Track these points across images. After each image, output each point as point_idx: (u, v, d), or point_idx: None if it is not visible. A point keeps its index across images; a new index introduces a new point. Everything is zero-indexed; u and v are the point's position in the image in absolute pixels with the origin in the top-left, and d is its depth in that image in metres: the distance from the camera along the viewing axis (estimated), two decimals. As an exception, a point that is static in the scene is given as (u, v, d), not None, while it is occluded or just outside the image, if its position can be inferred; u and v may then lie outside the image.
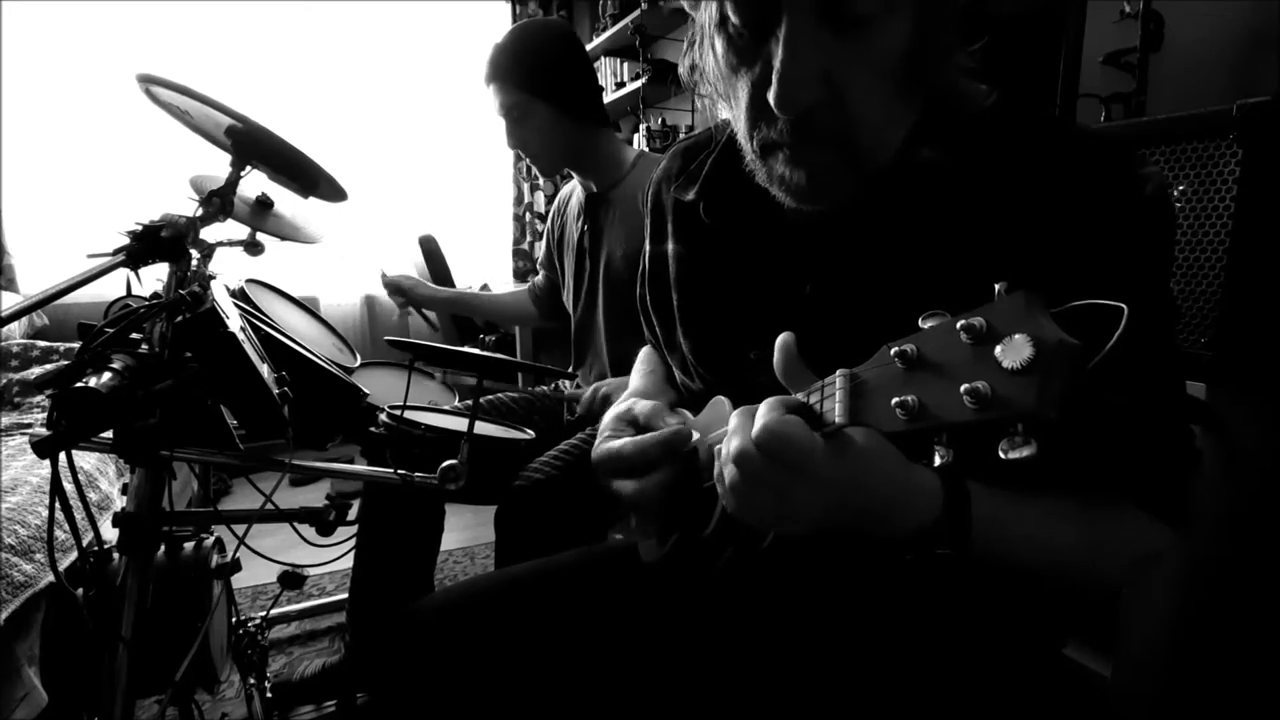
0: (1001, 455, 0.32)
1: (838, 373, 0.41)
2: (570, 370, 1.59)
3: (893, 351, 0.37)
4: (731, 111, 0.58)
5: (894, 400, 0.36)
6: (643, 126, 2.87)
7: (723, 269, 0.69)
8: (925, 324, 0.36)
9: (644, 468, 0.62)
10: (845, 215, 0.58)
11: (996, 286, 0.33)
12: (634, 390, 0.82)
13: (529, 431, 1.19)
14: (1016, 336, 0.31)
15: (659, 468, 0.61)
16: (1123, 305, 0.32)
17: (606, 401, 1.32)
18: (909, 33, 0.49)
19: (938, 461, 0.35)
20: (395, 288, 1.71)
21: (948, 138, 0.54)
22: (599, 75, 3.14)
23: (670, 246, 0.75)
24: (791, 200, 0.57)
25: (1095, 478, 0.53)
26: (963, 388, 0.32)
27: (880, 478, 0.44)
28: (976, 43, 0.52)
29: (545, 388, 1.62)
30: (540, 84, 1.32)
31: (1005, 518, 0.49)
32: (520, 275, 3.40)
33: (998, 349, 0.32)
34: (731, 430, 0.45)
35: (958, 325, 0.33)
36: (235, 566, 0.91)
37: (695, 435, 0.64)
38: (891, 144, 0.55)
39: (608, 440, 0.65)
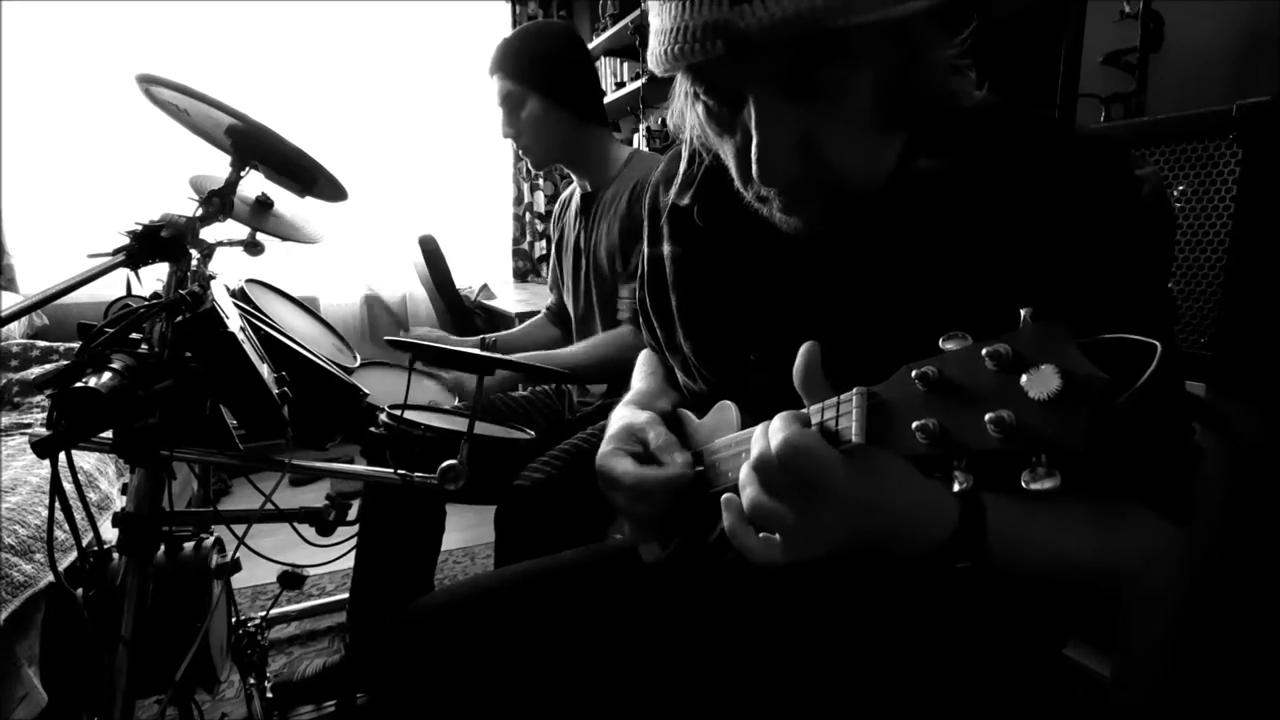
0: (1024, 485, 0.32)
1: (854, 390, 0.40)
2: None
3: (914, 374, 0.36)
4: (723, 160, 0.59)
5: (914, 423, 0.35)
6: (643, 126, 2.87)
7: (719, 271, 0.69)
8: (946, 345, 0.35)
9: (643, 500, 0.63)
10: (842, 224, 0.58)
11: (1022, 312, 0.33)
12: (636, 392, 0.81)
13: (529, 431, 1.19)
14: (1044, 367, 0.31)
15: (658, 502, 0.62)
16: (1155, 343, 0.32)
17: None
18: (879, 79, 0.48)
19: (957, 487, 0.35)
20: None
21: (943, 143, 0.54)
22: (599, 75, 3.14)
23: (666, 249, 0.75)
24: (790, 232, 0.58)
25: (1104, 476, 0.53)
26: (987, 416, 0.32)
27: (903, 496, 0.44)
28: (962, 32, 0.51)
29: (546, 387, 1.61)
30: (533, 77, 1.38)
31: (1020, 526, 0.49)
32: (520, 275, 3.39)
33: (1024, 378, 0.31)
34: (752, 445, 0.45)
35: (983, 351, 0.33)
36: (235, 566, 0.91)
37: (689, 451, 0.64)
38: (885, 166, 0.55)
39: (613, 457, 0.65)
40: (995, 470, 0.33)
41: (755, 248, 0.64)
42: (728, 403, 0.62)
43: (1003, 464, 0.32)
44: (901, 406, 0.37)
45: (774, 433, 0.42)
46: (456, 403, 1.33)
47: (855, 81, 0.48)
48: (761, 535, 0.46)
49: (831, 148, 0.50)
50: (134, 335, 0.72)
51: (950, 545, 0.46)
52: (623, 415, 0.71)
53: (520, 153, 1.53)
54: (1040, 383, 0.30)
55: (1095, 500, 0.53)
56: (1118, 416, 0.31)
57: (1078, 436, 0.30)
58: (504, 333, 1.75)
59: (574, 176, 1.55)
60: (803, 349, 0.46)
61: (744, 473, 0.45)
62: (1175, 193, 0.97)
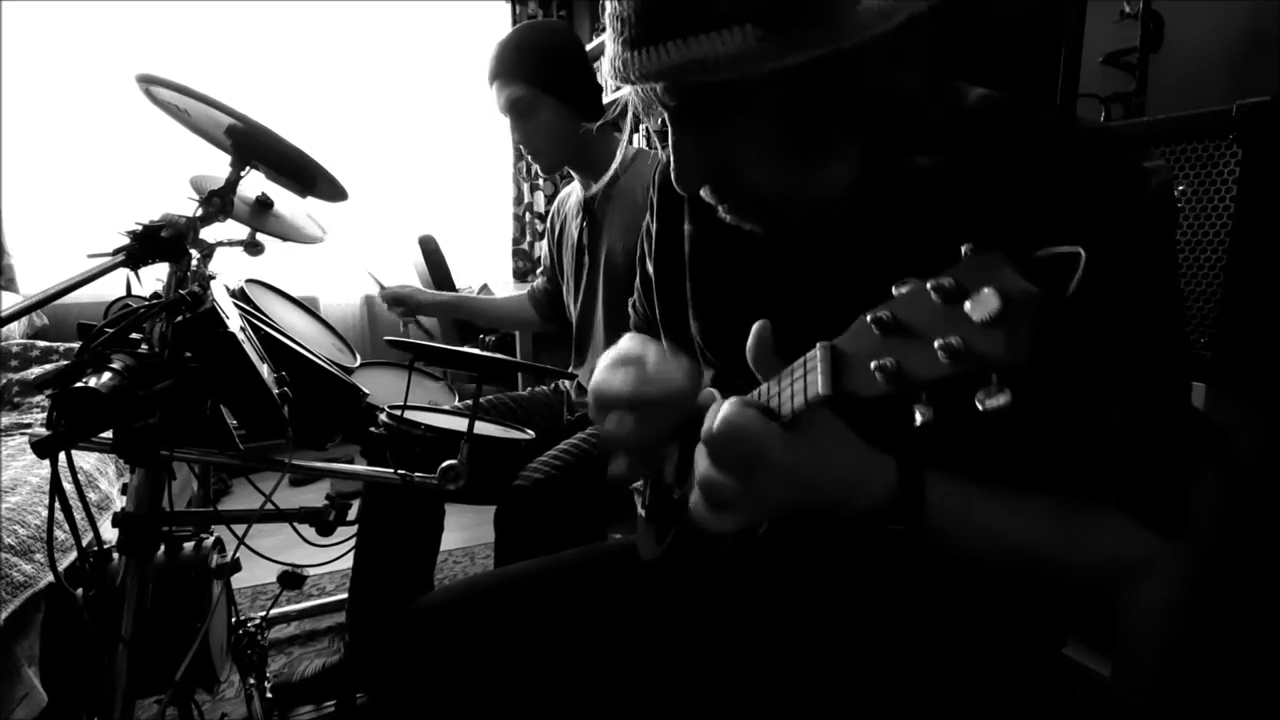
0: (979, 407, 0.33)
1: (817, 345, 0.42)
2: (570, 370, 1.59)
3: (869, 319, 0.38)
4: None
5: (873, 364, 0.37)
6: (643, 126, 2.87)
7: (735, 254, 0.68)
8: (899, 290, 0.37)
9: (642, 417, 0.59)
10: (847, 213, 0.58)
11: (963, 248, 0.34)
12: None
13: (529, 431, 1.19)
14: (984, 290, 0.32)
15: (660, 416, 0.59)
16: (1079, 250, 0.34)
17: None
18: (782, 113, 0.50)
19: (918, 420, 0.36)
20: (394, 299, 1.68)
21: (936, 143, 0.54)
22: (599, 75, 3.13)
23: (687, 228, 0.74)
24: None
25: (1081, 481, 0.52)
26: (936, 344, 0.33)
27: (840, 461, 0.47)
28: (926, 42, 0.50)
29: (545, 388, 1.61)
30: (547, 79, 1.35)
31: (964, 504, 0.50)
32: (520, 275, 3.39)
33: (967, 304, 0.33)
34: (705, 423, 0.47)
35: (928, 286, 0.35)
36: (235, 566, 0.91)
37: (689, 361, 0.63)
38: (822, 183, 0.55)
39: (607, 372, 0.62)
40: (955, 399, 0.34)
41: (773, 235, 0.64)
42: (713, 390, 0.62)
43: (959, 390, 0.34)
44: (861, 352, 0.39)
45: (718, 413, 0.45)
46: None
47: (750, 118, 0.51)
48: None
49: (740, 168, 0.54)
50: (134, 335, 0.72)
51: (887, 507, 0.48)
52: (609, 351, 0.67)
53: (530, 159, 1.50)
54: (982, 305, 0.32)
55: (1060, 500, 0.52)
56: (1057, 326, 0.33)
57: (1021, 349, 0.31)
58: (479, 297, 1.75)
59: (577, 177, 1.53)
60: (754, 329, 0.48)
61: (697, 448, 0.47)
62: (1175, 193, 0.97)
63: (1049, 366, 0.38)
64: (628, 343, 0.75)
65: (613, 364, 0.64)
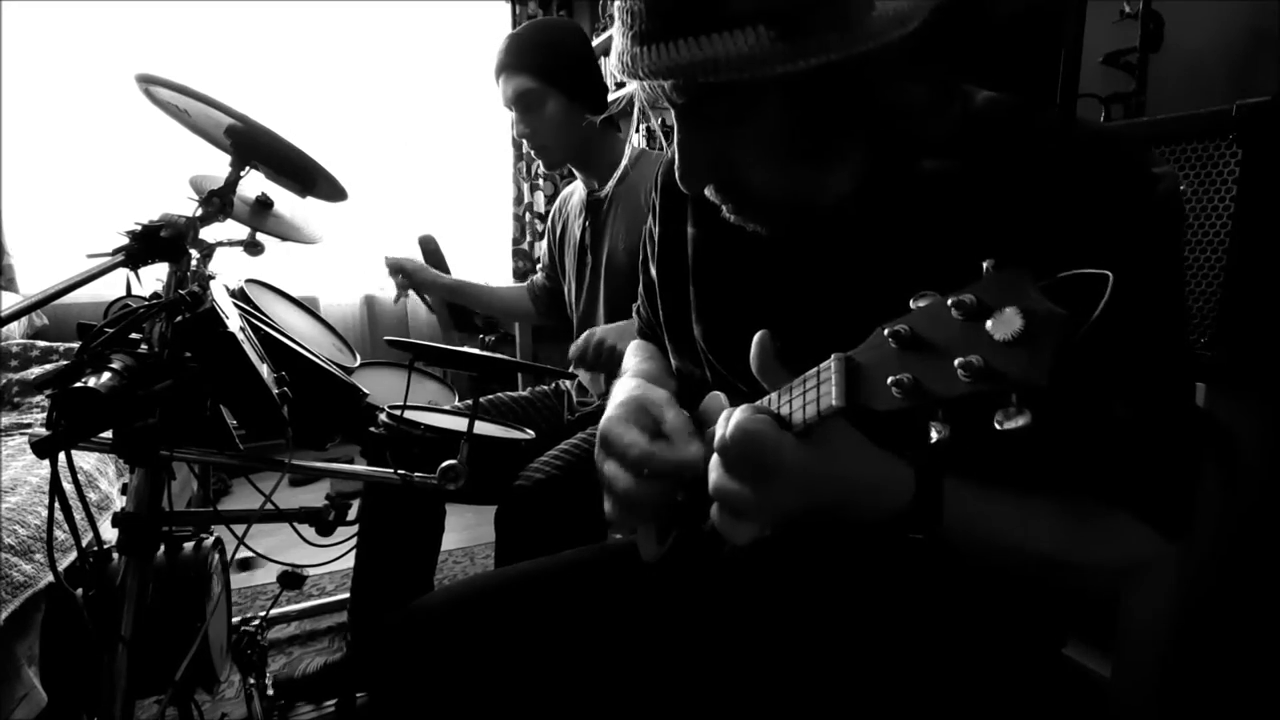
0: (997, 426, 0.33)
1: (832, 357, 0.41)
2: (570, 370, 1.59)
3: (886, 332, 0.37)
4: None
5: (889, 379, 0.36)
6: (643, 127, 2.87)
7: (740, 257, 0.67)
8: (917, 304, 0.37)
9: (646, 479, 0.58)
10: (852, 216, 0.58)
11: (985, 264, 0.34)
12: (642, 372, 0.79)
13: (529, 431, 1.19)
14: (1006, 309, 0.32)
15: (661, 486, 0.57)
16: (1108, 273, 0.33)
17: (600, 348, 1.27)
18: (782, 114, 0.50)
19: (934, 437, 0.35)
20: (397, 267, 1.69)
21: (944, 146, 0.54)
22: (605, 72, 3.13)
23: (691, 231, 0.74)
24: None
25: (1088, 482, 0.52)
26: (956, 361, 0.33)
27: (856, 467, 0.46)
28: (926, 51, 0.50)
29: (545, 387, 1.62)
30: (555, 73, 1.34)
31: (979, 508, 0.50)
32: (520, 275, 3.39)
33: (989, 323, 0.32)
34: (715, 431, 0.46)
35: (949, 302, 0.34)
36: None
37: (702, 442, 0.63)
38: (836, 185, 0.55)
39: (621, 424, 0.60)
40: (972, 418, 0.34)
41: (776, 237, 0.64)
42: (719, 393, 0.61)
43: (977, 409, 0.33)
44: (877, 366, 0.38)
45: (731, 420, 0.45)
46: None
47: (758, 119, 0.51)
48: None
49: (743, 170, 0.54)
50: (134, 335, 0.72)
51: (906, 515, 0.47)
52: (632, 386, 0.65)
53: (533, 153, 1.50)
54: (1004, 325, 0.32)
55: (1069, 501, 0.52)
56: (1079, 349, 0.33)
57: (1042, 371, 0.31)
58: (479, 284, 1.77)
59: (579, 176, 1.53)
60: (755, 339, 0.47)
61: (711, 459, 0.47)
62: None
63: (1070, 388, 0.38)
64: (643, 374, 0.75)
65: (628, 407, 0.61)
